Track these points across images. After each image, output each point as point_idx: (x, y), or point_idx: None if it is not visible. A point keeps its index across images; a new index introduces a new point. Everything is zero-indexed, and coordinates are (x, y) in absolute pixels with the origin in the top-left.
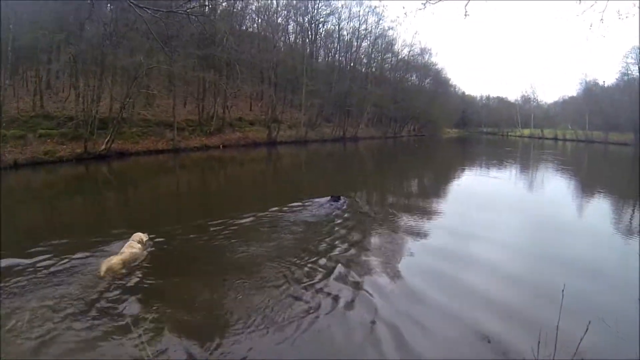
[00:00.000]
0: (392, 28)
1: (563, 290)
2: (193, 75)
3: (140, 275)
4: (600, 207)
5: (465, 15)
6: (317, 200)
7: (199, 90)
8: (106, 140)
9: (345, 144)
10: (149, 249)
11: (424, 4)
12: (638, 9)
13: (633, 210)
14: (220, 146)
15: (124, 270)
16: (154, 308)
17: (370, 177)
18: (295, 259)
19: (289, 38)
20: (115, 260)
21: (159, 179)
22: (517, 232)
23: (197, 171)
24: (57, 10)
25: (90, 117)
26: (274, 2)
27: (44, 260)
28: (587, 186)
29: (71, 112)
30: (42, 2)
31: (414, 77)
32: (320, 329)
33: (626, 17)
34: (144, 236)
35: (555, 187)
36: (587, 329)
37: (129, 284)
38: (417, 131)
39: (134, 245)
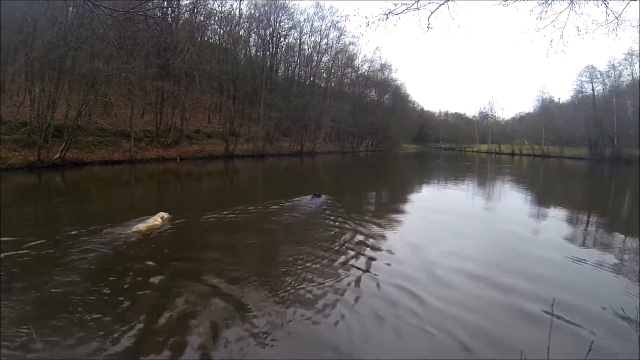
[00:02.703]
0: (353, 43)
1: (552, 305)
2: (152, 84)
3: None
4: (555, 219)
5: (428, 27)
6: (304, 197)
7: (157, 101)
8: (61, 148)
9: (302, 158)
10: (168, 224)
11: (387, 15)
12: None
13: (587, 224)
14: (177, 159)
15: (148, 232)
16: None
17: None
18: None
19: (250, 50)
20: (142, 225)
21: (115, 190)
22: (480, 242)
23: (154, 183)
24: (16, 8)
25: (45, 123)
26: (237, 13)
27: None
28: (542, 199)
29: (25, 117)
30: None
31: (373, 93)
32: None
33: (585, 33)
34: (165, 215)
35: (512, 200)
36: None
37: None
38: (375, 146)
39: (157, 219)
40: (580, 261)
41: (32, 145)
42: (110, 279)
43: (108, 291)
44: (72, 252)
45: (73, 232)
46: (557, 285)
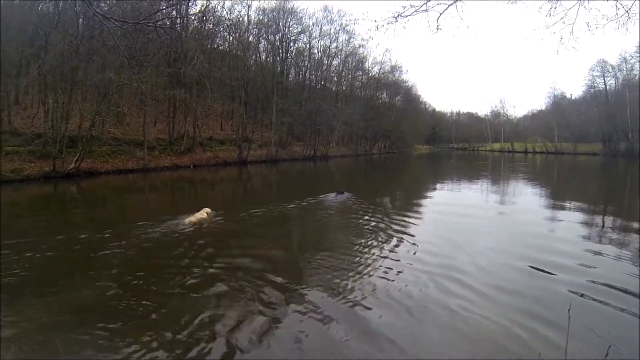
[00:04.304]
0: (362, 46)
1: (569, 310)
2: (163, 93)
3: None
4: (572, 217)
5: (437, 29)
6: (328, 194)
7: (170, 109)
8: (75, 158)
9: (315, 162)
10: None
11: (396, 18)
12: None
13: (603, 220)
14: (191, 166)
15: (197, 224)
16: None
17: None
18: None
19: (260, 56)
20: (194, 218)
21: (130, 198)
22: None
23: (169, 191)
24: (27, 22)
25: (59, 134)
26: (245, 20)
27: None
28: (558, 196)
29: (40, 129)
30: (12, 13)
31: (384, 95)
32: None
33: (595, 28)
34: (209, 210)
35: (528, 198)
36: (607, 353)
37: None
38: (388, 148)
39: (204, 213)
40: (596, 260)
41: (47, 156)
42: (144, 277)
43: (141, 292)
44: (105, 254)
45: (106, 234)
46: (574, 283)
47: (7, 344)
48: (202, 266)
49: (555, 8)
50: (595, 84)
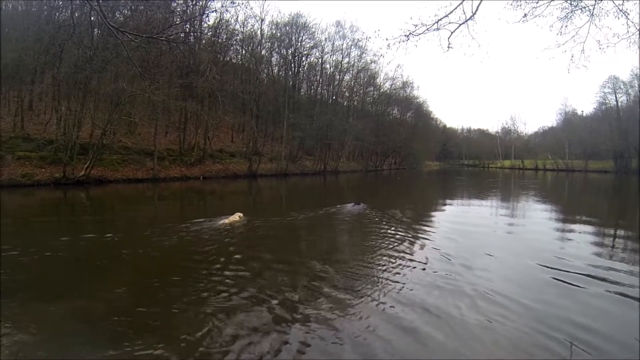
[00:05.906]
0: (374, 61)
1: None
2: (175, 104)
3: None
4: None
5: (449, 47)
6: (346, 204)
7: (181, 120)
8: (85, 166)
9: (325, 177)
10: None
11: (407, 36)
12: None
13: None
14: (201, 177)
15: (230, 225)
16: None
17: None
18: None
19: (272, 70)
20: (227, 220)
21: (139, 208)
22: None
23: (179, 201)
24: (43, 31)
25: (71, 141)
26: (258, 34)
27: None
28: (569, 214)
29: (52, 135)
30: (29, 22)
31: (395, 111)
32: None
33: (607, 47)
34: (241, 214)
35: (542, 214)
36: None
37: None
38: (398, 164)
39: (237, 216)
40: (605, 275)
41: (58, 163)
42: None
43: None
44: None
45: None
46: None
47: (7, 346)
48: (224, 274)
49: (566, 27)
50: (607, 101)
